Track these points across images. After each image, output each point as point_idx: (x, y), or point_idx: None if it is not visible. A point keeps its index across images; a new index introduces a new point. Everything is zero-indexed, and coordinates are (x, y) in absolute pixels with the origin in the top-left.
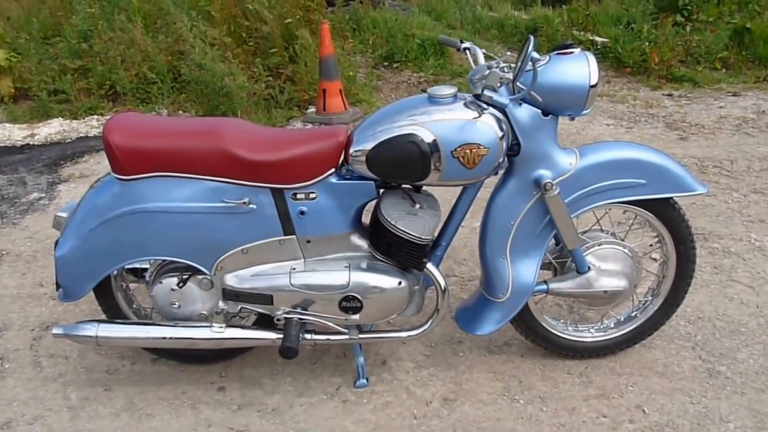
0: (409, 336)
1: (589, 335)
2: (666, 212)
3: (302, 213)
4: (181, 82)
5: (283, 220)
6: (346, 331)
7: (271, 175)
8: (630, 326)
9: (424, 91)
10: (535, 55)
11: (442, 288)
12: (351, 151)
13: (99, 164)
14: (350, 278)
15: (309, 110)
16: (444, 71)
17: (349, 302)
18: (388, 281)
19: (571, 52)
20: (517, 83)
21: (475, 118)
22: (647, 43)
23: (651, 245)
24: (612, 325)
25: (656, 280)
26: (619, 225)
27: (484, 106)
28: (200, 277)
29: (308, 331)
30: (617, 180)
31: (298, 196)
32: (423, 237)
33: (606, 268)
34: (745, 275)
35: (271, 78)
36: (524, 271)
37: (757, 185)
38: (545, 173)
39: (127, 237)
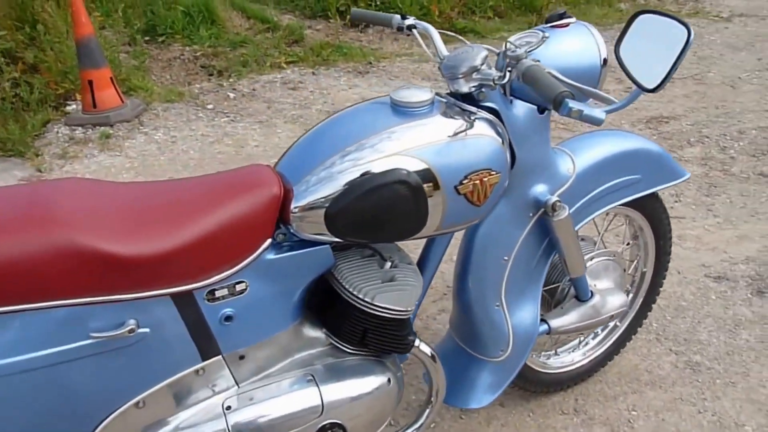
0: None
1: (570, 361)
2: (651, 206)
3: (228, 319)
4: None
5: (197, 337)
6: None
7: (169, 272)
8: (612, 338)
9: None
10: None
11: (432, 357)
12: (293, 206)
13: None
14: (322, 397)
15: (71, 108)
16: (221, 42)
17: None
18: (373, 383)
19: (567, 24)
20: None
21: (466, 129)
22: None
23: (628, 244)
24: (593, 344)
25: (632, 280)
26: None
27: (472, 109)
28: None
29: None
30: (616, 180)
31: (218, 294)
32: (409, 308)
33: (603, 287)
34: None
35: (17, 74)
36: (525, 315)
37: None
38: (544, 188)
39: None
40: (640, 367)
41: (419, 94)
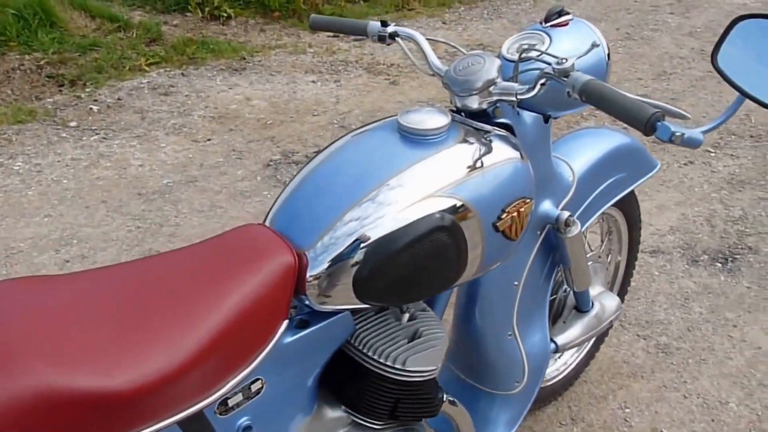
0: None
1: (556, 370)
2: (627, 199)
3: (246, 430)
4: None
5: None
6: None
7: (175, 396)
8: (592, 340)
9: None
10: None
11: (453, 403)
12: (310, 274)
13: None
14: None
15: None
16: (66, 46)
17: None
18: None
19: (566, 23)
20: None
21: (492, 155)
22: None
23: (604, 240)
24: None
25: (606, 276)
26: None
27: (488, 128)
28: None
29: None
30: (609, 181)
31: (231, 403)
32: (440, 365)
33: (595, 292)
34: None
35: None
36: (536, 339)
37: None
38: (550, 203)
39: None
40: (616, 360)
41: (434, 118)
